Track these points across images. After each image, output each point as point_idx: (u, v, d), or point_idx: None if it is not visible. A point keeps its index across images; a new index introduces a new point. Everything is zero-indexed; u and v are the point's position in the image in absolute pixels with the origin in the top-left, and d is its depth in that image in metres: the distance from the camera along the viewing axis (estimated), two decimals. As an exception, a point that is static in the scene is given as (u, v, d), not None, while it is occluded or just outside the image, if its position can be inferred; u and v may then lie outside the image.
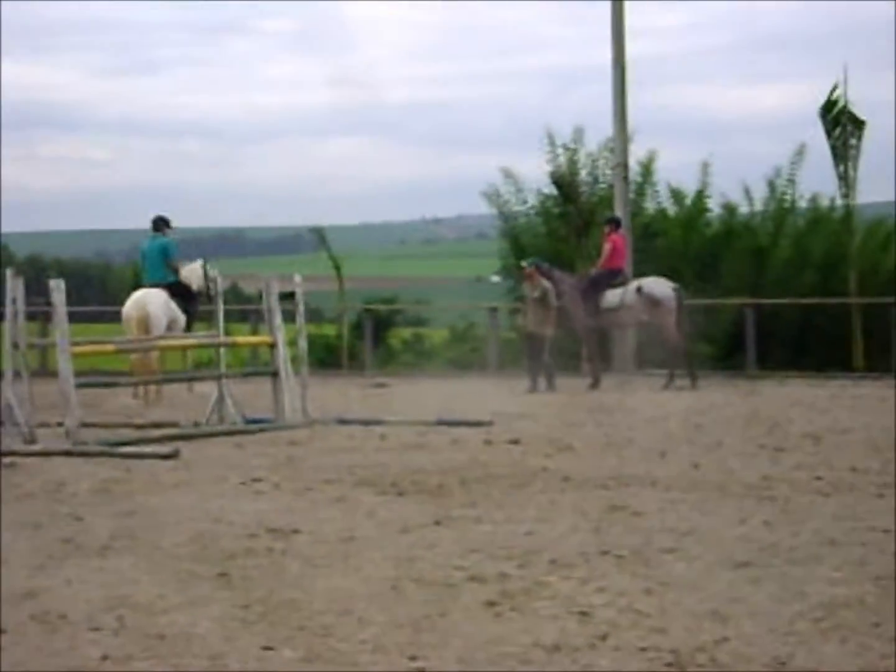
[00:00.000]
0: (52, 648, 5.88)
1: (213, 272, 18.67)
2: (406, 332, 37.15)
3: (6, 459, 12.08)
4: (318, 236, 33.33)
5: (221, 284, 17.43)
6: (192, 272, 19.66)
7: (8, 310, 13.81)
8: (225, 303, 16.97)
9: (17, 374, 13.68)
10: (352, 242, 55.59)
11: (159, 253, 19.71)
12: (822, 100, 26.42)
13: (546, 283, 20.46)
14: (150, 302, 19.19)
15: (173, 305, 19.42)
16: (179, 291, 18.72)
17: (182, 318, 19.23)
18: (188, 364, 20.82)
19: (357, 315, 29.96)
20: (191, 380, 19.13)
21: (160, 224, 19.98)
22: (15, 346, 13.78)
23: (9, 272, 13.89)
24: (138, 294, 19.39)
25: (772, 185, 28.82)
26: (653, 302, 20.80)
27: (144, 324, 18.99)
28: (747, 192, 29.16)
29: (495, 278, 30.82)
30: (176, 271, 19.03)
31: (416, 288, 63.90)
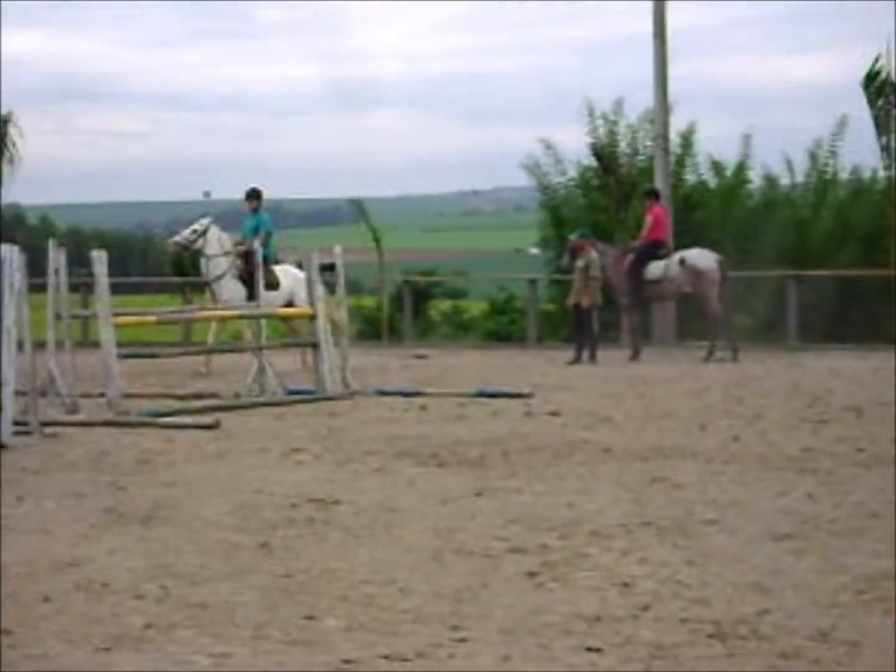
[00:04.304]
0: (96, 616, 5.92)
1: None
2: (445, 304, 37.11)
3: (49, 429, 12.16)
4: (358, 208, 33.34)
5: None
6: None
7: (50, 281, 13.88)
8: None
9: (59, 345, 13.78)
10: (390, 214, 55.61)
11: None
12: (864, 71, 26.24)
13: (592, 254, 20.44)
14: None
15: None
16: None
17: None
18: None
19: (396, 287, 29.96)
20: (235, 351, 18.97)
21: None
22: (57, 316, 13.87)
23: (51, 244, 13.96)
24: None
25: (813, 157, 28.64)
26: (696, 274, 20.72)
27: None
28: (788, 164, 29.01)
29: (534, 250, 30.75)
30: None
31: (455, 260, 63.84)
